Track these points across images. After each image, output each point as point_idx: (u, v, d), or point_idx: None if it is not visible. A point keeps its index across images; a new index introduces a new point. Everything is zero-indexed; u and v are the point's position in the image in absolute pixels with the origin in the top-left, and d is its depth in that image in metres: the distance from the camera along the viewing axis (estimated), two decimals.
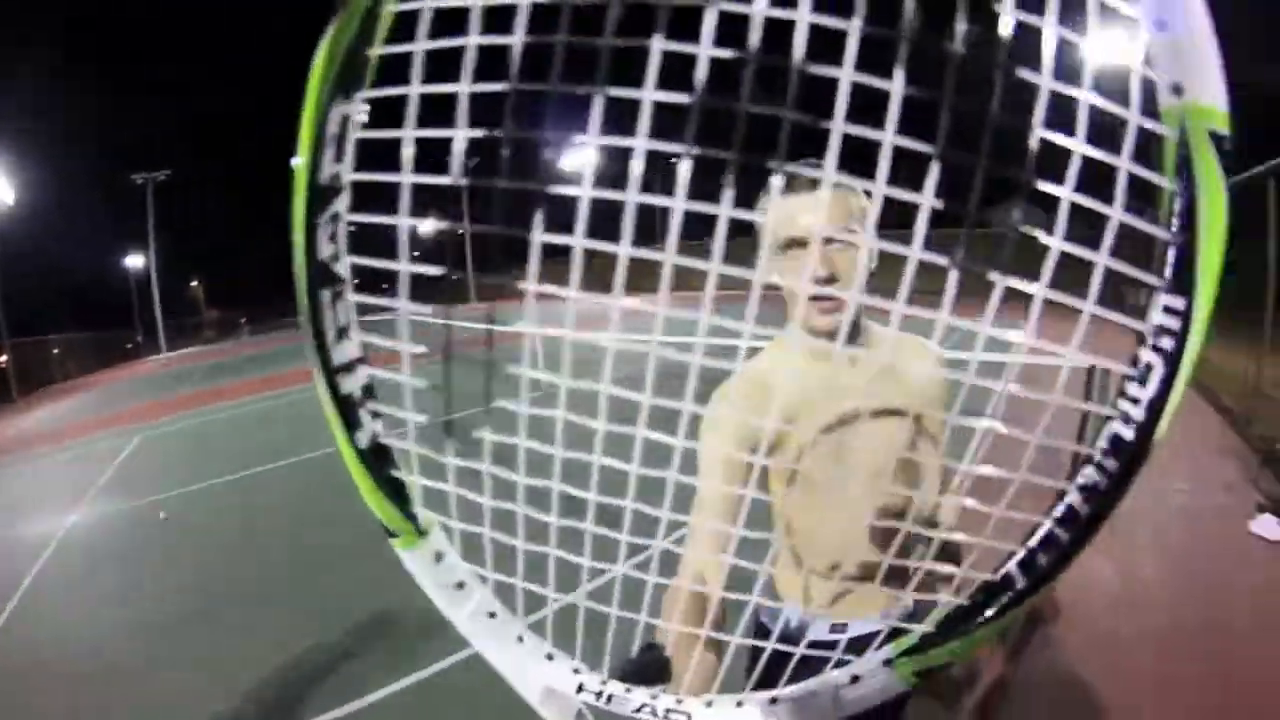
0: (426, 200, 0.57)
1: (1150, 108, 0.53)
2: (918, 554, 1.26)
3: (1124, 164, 0.52)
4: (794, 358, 1.34)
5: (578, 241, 0.53)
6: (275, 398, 12.97)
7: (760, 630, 1.43)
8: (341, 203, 0.59)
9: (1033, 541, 0.62)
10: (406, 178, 0.54)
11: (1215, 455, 5.56)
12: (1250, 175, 6.19)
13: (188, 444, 10.38)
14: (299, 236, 0.59)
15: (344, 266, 0.61)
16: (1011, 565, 0.63)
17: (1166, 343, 0.56)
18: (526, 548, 0.70)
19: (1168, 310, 0.56)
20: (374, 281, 0.65)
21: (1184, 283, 0.55)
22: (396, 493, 0.68)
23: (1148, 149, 0.55)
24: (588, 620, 0.71)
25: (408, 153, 0.54)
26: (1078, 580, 3.57)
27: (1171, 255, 0.56)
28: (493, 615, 0.72)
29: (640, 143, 0.49)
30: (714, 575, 1.09)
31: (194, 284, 55.60)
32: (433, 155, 0.55)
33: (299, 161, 0.56)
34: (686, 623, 0.85)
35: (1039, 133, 0.49)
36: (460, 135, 0.52)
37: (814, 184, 1.17)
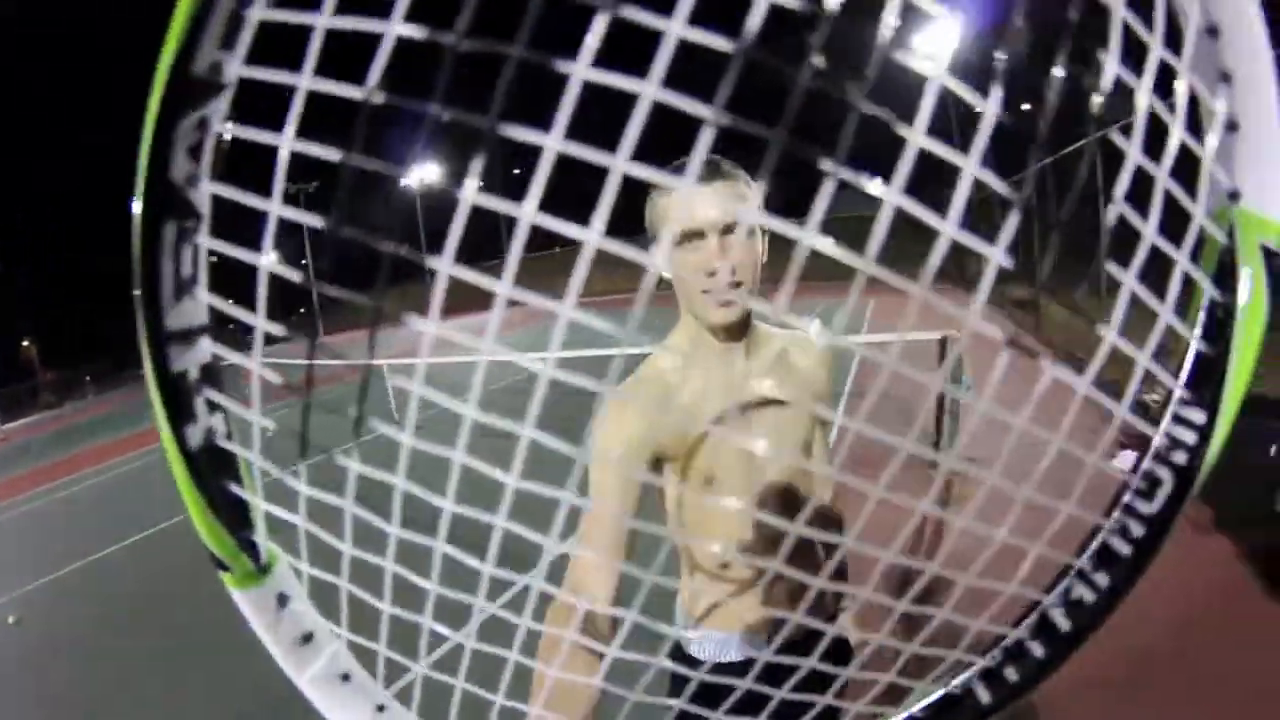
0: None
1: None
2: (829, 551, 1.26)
3: (1182, 261, 0.46)
4: (691, 355, 1.27)
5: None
6: (130, 461, 11.46)
7: (685, 659, 1.34)
8: (217, 107, 0.40)
9: (1000, 654, 0.56)
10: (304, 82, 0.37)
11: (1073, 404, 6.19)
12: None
13: (33, 530, 8.86)
14: (147, 140, 0.40)
15: (203, 196, 0.42)
16: (975, 680, 0.56)
17: (1180, 457, 0.51)
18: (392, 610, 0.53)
19: (1184, 422, 0.51)
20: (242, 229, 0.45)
21: (1207, 397, 0.51)
22: (234, 514, 0.50)
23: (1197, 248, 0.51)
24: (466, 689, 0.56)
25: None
26: (957, 540, 3.76)
27: (1194, 362, 0.52)
28: (347, 678, 0.55)
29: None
30: (605, 595, 1.04)
31: (25, 344, 46.60)
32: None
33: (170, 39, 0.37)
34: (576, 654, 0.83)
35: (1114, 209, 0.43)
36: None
37: (710, 174, 1.13)
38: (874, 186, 0.36)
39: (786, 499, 1.29)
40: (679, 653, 1.35)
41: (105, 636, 4.90)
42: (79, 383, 36.66)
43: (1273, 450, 3.43)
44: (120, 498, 9.29)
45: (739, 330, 1.23)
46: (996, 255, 0.38)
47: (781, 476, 1.28)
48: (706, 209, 1.11)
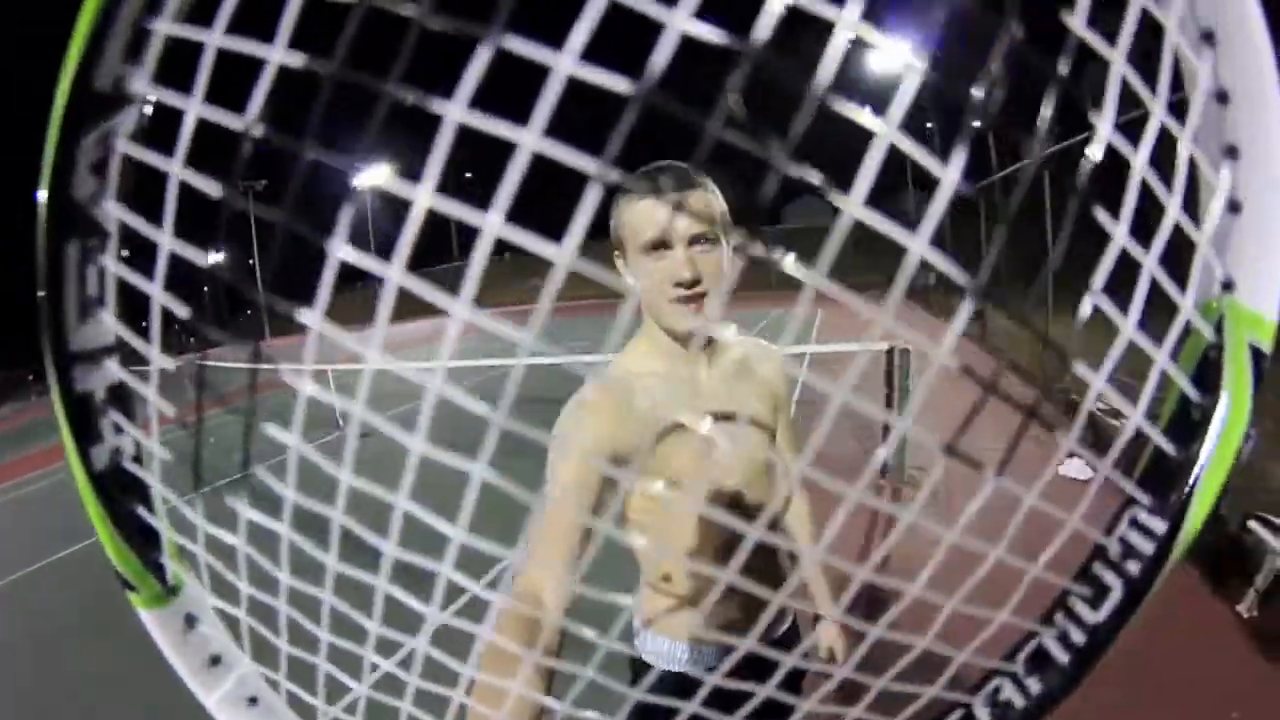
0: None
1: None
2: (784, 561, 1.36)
3: (1162, 358, 0.44)
4: (655, 362, 1.27)
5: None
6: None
7: (640, 665, 1.35)
8: (122, 122, 0.36)
9: None
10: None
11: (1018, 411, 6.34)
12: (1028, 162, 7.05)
13: None
14: (50, 154, 0.36)
15: (107, 214, 0.39)
16: None
17: (1132, 567, 0.48)
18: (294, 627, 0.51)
19: (1141, 529, 0.48)
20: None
21: (1170, 507, 0.47)
22: (140, 536, 0.47)
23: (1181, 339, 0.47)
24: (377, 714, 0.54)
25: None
26: (901, 552, 3.90)
27: (1160, 465, 0.48)
28: (254, 701, 0.53)
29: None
30: (555, 603, 0.99)
31: None
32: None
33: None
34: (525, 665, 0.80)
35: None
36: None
37: (677, 184, 1.13)
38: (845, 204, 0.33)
39: (740, 510, 1.27)
40: (632, 654, 1.38)
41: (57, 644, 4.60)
42: (22, 383, 34.97)
43: None
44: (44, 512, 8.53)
45: (703, 338, 1.24)
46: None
47: (737, 486, 1.28)
48: (673, 219, 1.11)
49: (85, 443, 0.43)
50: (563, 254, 0.32)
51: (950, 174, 0.33)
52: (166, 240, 0.35)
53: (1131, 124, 0.37)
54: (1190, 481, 0.46)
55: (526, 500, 0.40)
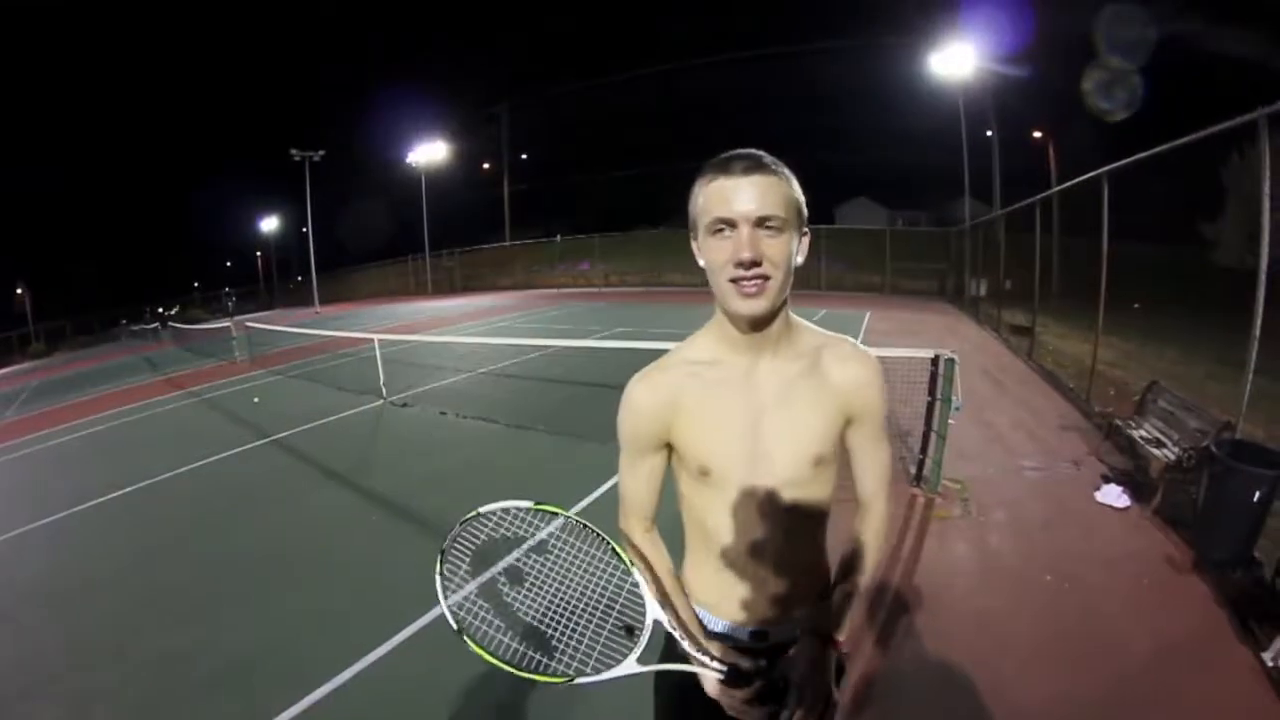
0: None
1: None
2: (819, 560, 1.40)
3: None
4: (714, 350, 1.31)
5: None
6: (108, 419, 10.95)
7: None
8: None
9: None
10: None
11: (1061, 432, 6.23)
12: (1087, 178, 6.98)
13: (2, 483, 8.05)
14: None
15: None
16: None
17: None
18: None
19: None
20: None
21: None
22: None
23: None
24: None
25: None
26: (940, 565, 3.93)
27: None
28: None
29: None
30: (639, 531, 1.43)
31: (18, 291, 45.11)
32: None
33: None
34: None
35: None
36: None
37: (749, 168, 1.14)
38: None
39: (778, 506, 1.29)
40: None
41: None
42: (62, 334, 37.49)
43: (1255, 495, 3.41)
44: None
45: (766, 325, 1.24)
46: None
47: (777, 483, 1.28)
48: (741, 199, 1.12)
49: None
50: None
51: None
52: None
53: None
54: None
55: None
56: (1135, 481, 4.72)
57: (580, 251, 31.91)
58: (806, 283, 24.00)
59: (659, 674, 1.39)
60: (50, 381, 19.08)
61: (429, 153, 36.67)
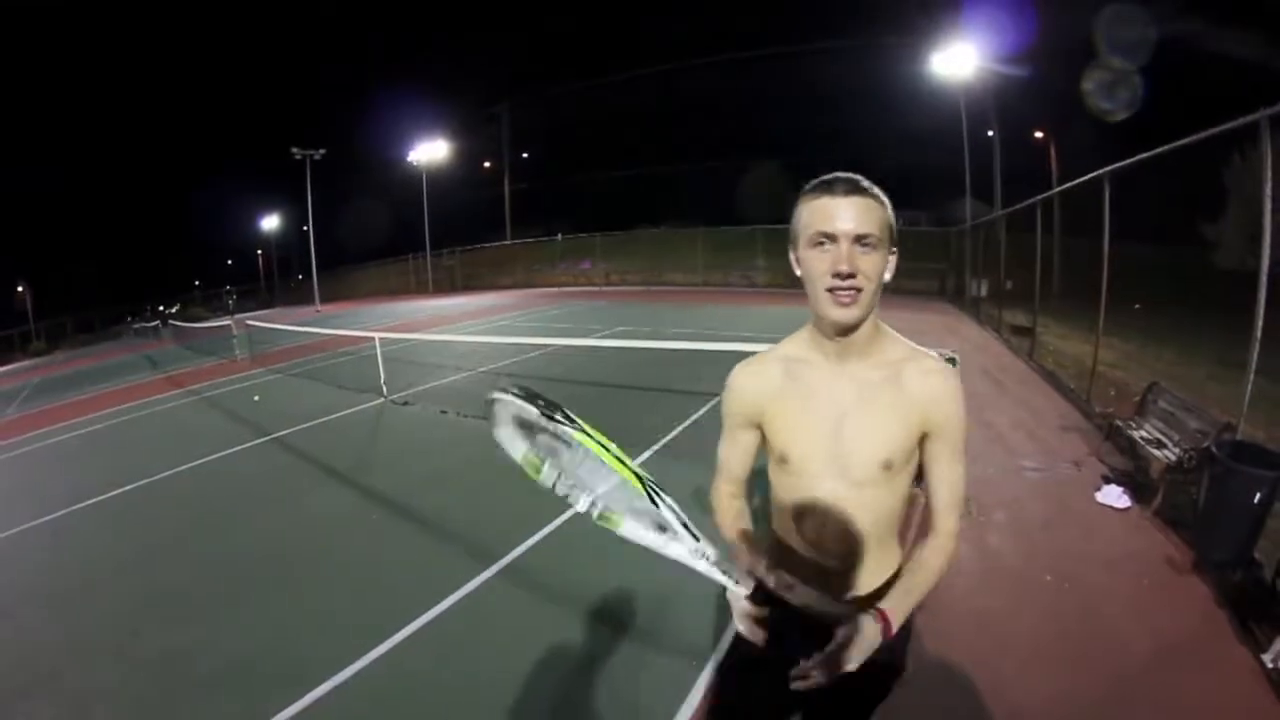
0: None
1: None
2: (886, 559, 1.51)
3: None
4: (806, 350, 1.47)
5: None
6: (107, 418, 10.93)
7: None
8: None
9: None
10: None
11: (1061, 433, 6.24)
12: (1088, 179, 6.97)
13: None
14: None
15: None
16: None
17: None
18: None
19: None
20: None
21: None
22: None
23: None
24: None
25: None
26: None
27: None
28: None
29: None
30: (730, 492, 1.62)
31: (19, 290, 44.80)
32: None
33: None
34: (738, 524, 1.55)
35: None
36: None
37: (850, 190, 1.27)
38: None
39: (839, 503, 1.42)
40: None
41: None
42: (63, 332, 37.54)
43: (1256, 496, 3.41)
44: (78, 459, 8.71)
45: (853, 332, 1.37)
46: None
47: (842, 480, 1.41)
48: (842, 218, 1.26)
49: None
50: None
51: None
52: None
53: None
54: None
55: None
56: (1136, 482, 4.72)
57: (581, 250, 31.89)
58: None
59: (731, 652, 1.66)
60: (51, 379, 19.06)
61: (430, 151, 36.63)
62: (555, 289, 28.91)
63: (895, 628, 1.29)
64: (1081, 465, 5.30)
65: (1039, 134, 25.85)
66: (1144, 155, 5.65)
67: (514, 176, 41.73)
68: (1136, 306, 9.21)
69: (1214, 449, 3.76)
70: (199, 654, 3.55)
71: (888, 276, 1.33)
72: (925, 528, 1.44)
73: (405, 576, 4.18)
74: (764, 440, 1.53)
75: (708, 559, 1.28)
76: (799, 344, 1.48)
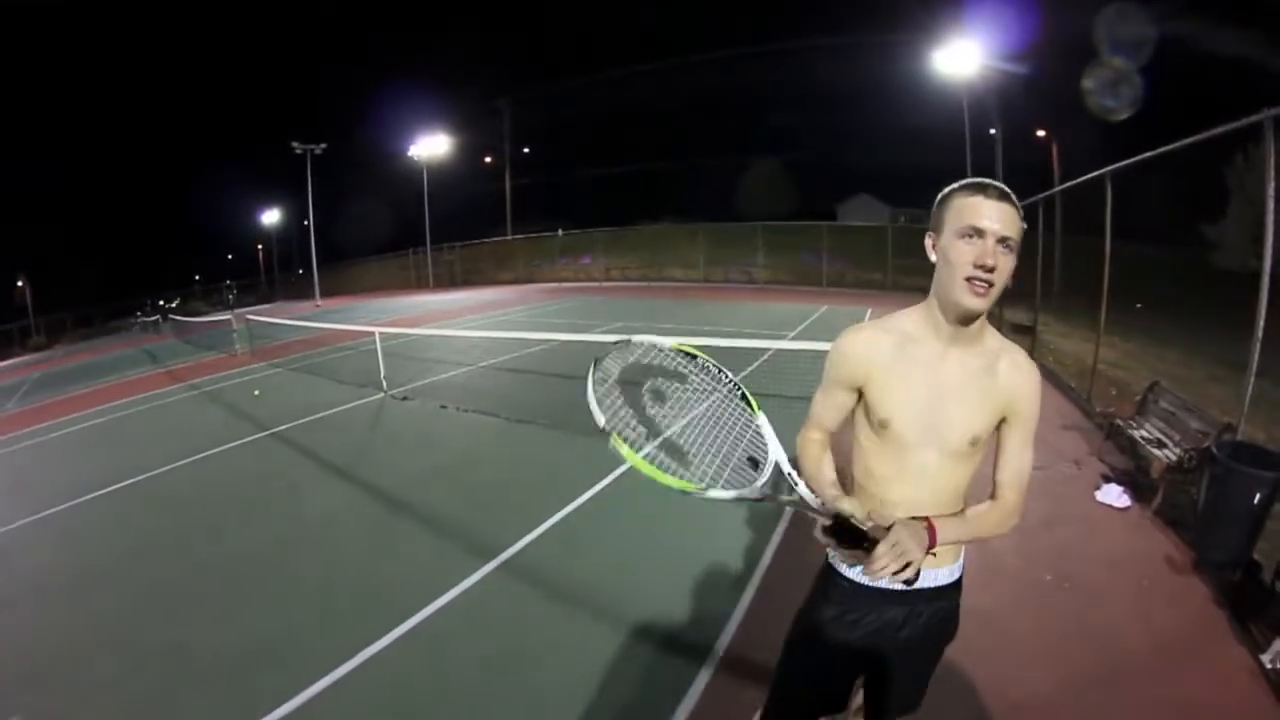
0: None
1: None
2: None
3: None
4: (919, 327, 1.59)
5: None
6: (107, 413, 10.88)
7: (826, 570, 1.77)
8: None
9: None
10: None
11: (1061, 432, 6.24)
12: (1090, 178, 6.95)
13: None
14: None
15: None
16: None
17: None
18: None
19: None
20: None
21: None
22: None
23: None
24: None
25: None
26: None
27: None
28: None
29: None
30: (819, 441, 1.76)
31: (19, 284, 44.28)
32: None
33: None
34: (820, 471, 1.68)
35: None
36: None
37: (1001, 197, 1.42)
38: None
39: (930, 470, 1.58)
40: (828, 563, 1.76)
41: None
42: (63, 327, 37.39)
43: (1255, 497, 3.41)
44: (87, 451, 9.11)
45: (970, 323, 1.51)
46: None
47: (930, 451, 1.57)
48: (993, 217, 1.41)
49: None
50: None
51: None
52: None
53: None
54: None
55: None
56: (1136, 482, 4.72)
57: (581, 246, 31.84)
58: (806, 279, 23.99)
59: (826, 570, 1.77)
60: (51, 374, 19.01)
61: (430, 146, 36.52)
62: (555, 284, 28.89)
63: (940, 537, 1.47)
64: (1082, 464, 5.30)
65: (1041, 132, 25.81)
66: (1146, 155, 5.64)
67: (515, 172, 41.63)
68: (1138, 306, 9.21)
69: (1214, 449, 3.77)
70: (199, 647, 3.56)
71: (1010, 278, 1.45)
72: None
73: (404, 572, 4.18)
74: (861, 403, 1.67)
75: (794, 486, 1.47)
76: (914, 322, 1.61)
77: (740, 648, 3.15)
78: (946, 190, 1.50)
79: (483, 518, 4.84)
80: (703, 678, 2.97)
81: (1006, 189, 1.44)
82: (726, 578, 3.77)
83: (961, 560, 1.71)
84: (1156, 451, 4.48)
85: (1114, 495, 4.53)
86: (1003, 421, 1.58)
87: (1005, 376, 1.56)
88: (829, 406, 1.72)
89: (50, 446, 9.15)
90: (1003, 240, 1.41)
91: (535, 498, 5.02)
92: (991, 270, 1.40)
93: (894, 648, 1.69)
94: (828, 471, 1.68)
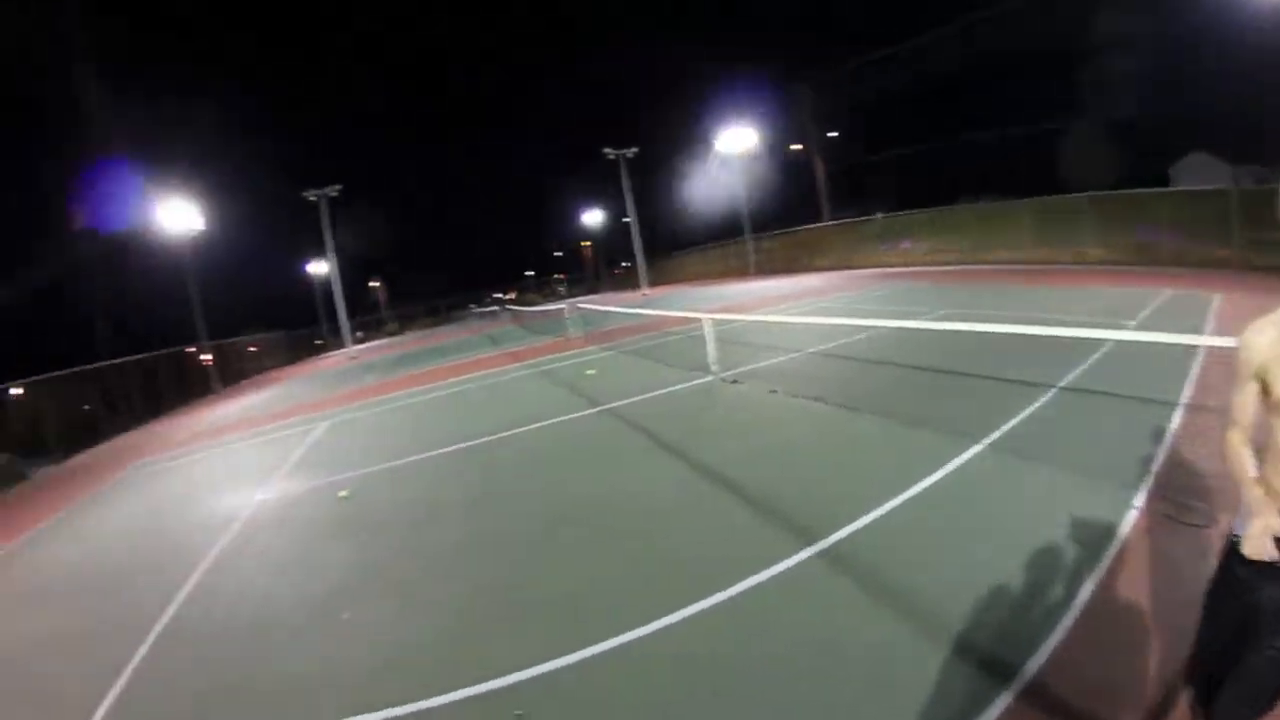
0: None
1: None
2: None
3: None
4: None
5: None
6: (454, 385, 13.30)
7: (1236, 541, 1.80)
8: None
9: None
10: None
11: None
12: None
13: (368, 430, 10.81)
14: None
15: None
16: None
17: None
18: None
19: None
20: None
21: None
22: None
23: None
24: None
25: None
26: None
27: None
28: None
29: None
30: (1240, 433, 1.80)
31: (373, 284, 61.18)
32: None
33: None
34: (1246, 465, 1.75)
35: None
36: None
37: None
38: None
39: None
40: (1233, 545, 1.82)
41: (406, 518, 6.00)
42: (410, 318, 51.76)
43: None
44: (437, 414, 11.03)
45: None
46: None
47: None
48: None
49: None
50: None
51: None
52: None
53: None
54: None
55: None
56: None
57: (900, 229, 29.78)
58: (1143, 256, 18.57)
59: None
60: (406, 354, 23.69)
61: (736, 139, 36.85)
62: (873, 270, 27.51)
63: None
64: None
65: None
66: None
67: (823, 157, 40.41)
68: None
69: None
70: (525, 583, 4.23)
71: None
72: None
73: (719, 545, 4.32)
74: (1264, 393, 1.71)
75: None
76: None
77: (1047, 675, 2.75)
78: None
79: (805, 502, 4.80)
80: (1002, 700, 2.64)
81: None
82: (1044, 598, 3.30)
83: None
84: None
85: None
86: None
87: None
88: (1241, 401, 1.77)
89: (409, 409, 11.56)
90: None
91: (859, 488, 4.84)
92: None
93: None
94: (1252, 470, 1.74)
